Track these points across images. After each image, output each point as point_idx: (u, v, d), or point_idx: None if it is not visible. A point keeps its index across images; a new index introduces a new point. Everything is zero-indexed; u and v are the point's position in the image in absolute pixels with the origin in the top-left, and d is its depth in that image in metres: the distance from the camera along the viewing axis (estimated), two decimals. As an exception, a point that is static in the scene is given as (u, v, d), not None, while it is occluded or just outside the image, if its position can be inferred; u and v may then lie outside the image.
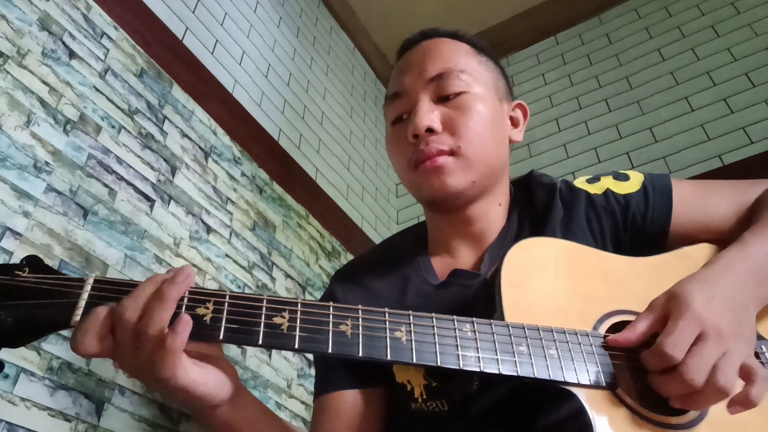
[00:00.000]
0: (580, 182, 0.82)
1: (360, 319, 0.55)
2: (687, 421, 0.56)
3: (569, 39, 2.29)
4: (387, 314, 0.56)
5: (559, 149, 2.00)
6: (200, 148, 1.31)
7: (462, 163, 0.73)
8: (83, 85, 1.07)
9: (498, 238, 0.78)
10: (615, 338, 0.59)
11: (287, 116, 1.72)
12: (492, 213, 0.79)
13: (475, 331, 0.57)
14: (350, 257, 1.72)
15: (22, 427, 0.78)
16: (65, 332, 0.85)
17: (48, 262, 0.57)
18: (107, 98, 1.11)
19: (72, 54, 1.07)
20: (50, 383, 0.83)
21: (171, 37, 1.34)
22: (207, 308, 0.53)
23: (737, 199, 0.75)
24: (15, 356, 0.80)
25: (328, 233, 1.69)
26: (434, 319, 0.57)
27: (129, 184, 1.09)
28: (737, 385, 0.53)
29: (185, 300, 0.53)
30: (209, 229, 1.24)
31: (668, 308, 0.58)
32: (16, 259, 0.78)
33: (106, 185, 1.04)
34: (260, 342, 0.52)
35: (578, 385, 0.56)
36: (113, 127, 1.10)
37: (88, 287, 0.53)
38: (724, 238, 0.71)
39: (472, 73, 0.77)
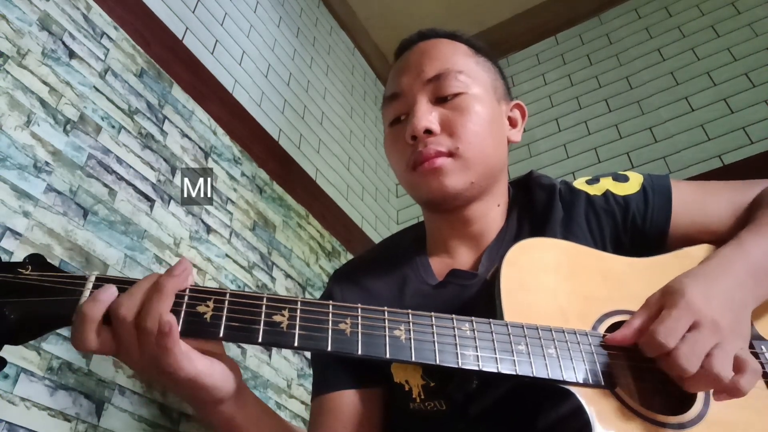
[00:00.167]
0: (579, 183, 0.82)
1: (359, 318, 0.55)
2: (686, 420, 0.56)
3: (569, 39, 2.29)
4: (386, 313, 0.56)
5: (559, 149, 2.00)
6: (200, 148, 1.31)
7: (460, 164, 0.73)
8: (83, 85, 1.07)
9: (496, 239, 0.78)
10: (612, 337, 0.59)
11: (287, 116, 1.72)
12: (490, 213, 0.79)
13: (474, 330, 0.57)
14: (350, 257, 1.71)
15: (22, 427, 0.78)
16: (65, 332, 0.86)
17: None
18: (107, 98, 1.11)
19: (72, 54, 1.07)
20: (50, 383, 0.83)
21: (171, 37, 1.34)
22: (207, 306, 0.53)
23: (736, 200, 0.76)
24: (15, 356, 0.80)
25: (328, 233, 1.69)
26: (433, 318, 0.57)
27: (129, 184, 1.09)
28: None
29: (186, 298, 0.53)
30: (209, 229, 1.24)
31: (663, 302, 0.58)
32: (16, 259, 0.78)
33: (106, 185, 1.04)
34: (260, 339, 0.52)
35: (577, 384, 0.56)
36: (113, 127, 1.10)
37: (90, 284, 0.53)
38: (723, 239, 0.71)
39: (470, 73, 0.77)
